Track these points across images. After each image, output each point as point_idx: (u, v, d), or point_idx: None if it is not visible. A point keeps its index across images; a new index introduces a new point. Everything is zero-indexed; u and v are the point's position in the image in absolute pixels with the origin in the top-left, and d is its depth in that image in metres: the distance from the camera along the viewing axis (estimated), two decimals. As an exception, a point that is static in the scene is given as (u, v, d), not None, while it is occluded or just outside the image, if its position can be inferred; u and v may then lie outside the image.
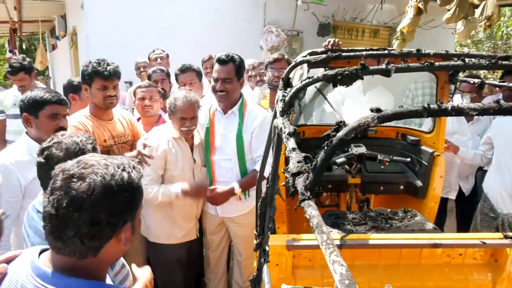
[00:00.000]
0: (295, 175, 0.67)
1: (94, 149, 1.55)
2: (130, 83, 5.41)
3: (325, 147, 0.66)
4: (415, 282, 2.05)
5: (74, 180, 0.92)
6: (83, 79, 2.53)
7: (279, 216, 2.72)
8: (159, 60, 4.38)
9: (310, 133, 3.04)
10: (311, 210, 0.56)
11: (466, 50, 12.89)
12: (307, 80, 1.02)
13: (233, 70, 2.61)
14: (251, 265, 2.87)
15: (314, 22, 7.03)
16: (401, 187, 2.87)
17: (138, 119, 3.15)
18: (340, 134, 0.65)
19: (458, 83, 2.65)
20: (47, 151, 1.50)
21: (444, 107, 0.63)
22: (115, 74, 2.51)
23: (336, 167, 2.75)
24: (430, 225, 2.31)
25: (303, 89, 1.04)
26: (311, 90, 3.22)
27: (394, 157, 2.71)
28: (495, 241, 2.01)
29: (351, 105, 3.61)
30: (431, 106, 0.63)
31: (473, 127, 3.49)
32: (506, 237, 2.02)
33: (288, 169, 0.71)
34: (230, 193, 2.63)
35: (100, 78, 2.46)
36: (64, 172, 0.94)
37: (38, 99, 2.11)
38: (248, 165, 2.70)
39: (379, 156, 2.68)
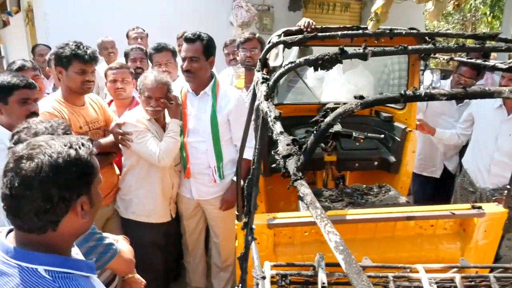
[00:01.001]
0: (285, 157, 0.75)
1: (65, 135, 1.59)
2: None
3: (314, 132, 0.75)
4: (390, 254, 2.22)
5: (24, 161, 1.02)
6: (58, 61, 2.48)
7: (258, 196, 2.82)
8: (139, 39, 4.32)
9: (286, 112, 3.12)
10: (304, 189, 0.65)
11: (436, 23, 13.27)
12: (290, 65, 1.10)
13: (200, 48, 2.62)
14: (228, 246, 2.98)
15: (285, -4, 7.08)
16: (375, 163, 3.03)
17: (110, 102, 3.14)
18: (328, 119, 0.74)
19: (429, 60, 2.78)
20: (16, 136, 1.54)
21: (418, 93, 0.73)
22: (95, 59, 2.51)
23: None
24: (403, 199, 2.49)
25: (286, 73, 1.12)
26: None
27: (369, 134, 2.84)
28: (463, 211, 2.20)
29: (331, 83, 3.72)
30: (407, 92, 0.72)
31: (462, 109, 3.53)
32: (473, 207, 2.21)
33: (278, 152, 0.80)
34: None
35: (79, 62, 2.44)
36: (14, 154, 1.04)
37: (6, 84, 2.09)
38: (223, 147, 2.76)
39: (354, 133, 2.79)
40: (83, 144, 1.09)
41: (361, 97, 0.72)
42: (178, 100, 2.72)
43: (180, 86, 2.86)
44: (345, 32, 1.99)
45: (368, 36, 1.98)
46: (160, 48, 3.37)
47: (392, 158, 3.01)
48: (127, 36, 4.51)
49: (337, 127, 2.84)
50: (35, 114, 2.12)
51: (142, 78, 2.63)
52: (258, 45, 3.41)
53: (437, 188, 3.85)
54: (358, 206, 2.37)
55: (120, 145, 2.68)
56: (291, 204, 3.23)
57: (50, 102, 2.51)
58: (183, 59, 2.65)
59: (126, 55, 3.61)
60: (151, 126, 2.65)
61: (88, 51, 2.47)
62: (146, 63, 3.61)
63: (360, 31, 1.98)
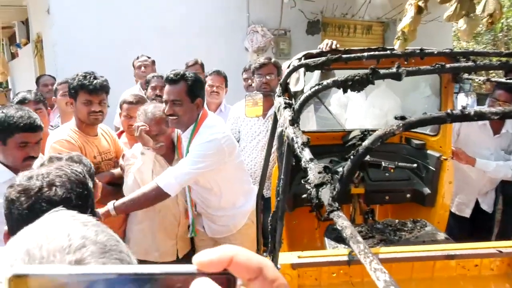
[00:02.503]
0: (318, 186, 0.73)
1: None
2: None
3: (351, 157, 0.72)
4: (429, 297, 2.12)
5: (45, 189, 1.01)
6: (69, 93, 2.63)
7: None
8: (143, 68, 4.46)
9: (308, 140, 3.13)
10: (342, 221, 0.62)
11: (464, 44, 13.27)
12: (316, 87, 1.09)
13: (184, 90, 2.51)
14: None
15: (302, 20, 7.19)
16: (408, 195, 2.96)
17: (120, 133, 3.20)
18: (366, 143, 0.71)
19: (466, 83, 2.75)
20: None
21: (467, 112, 0.70)
22: (102, 88, 2.58)
23: (337, 176, 2.83)
24: (442, 235, 2.40)
25: (313, 96, 1.11)
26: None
27: (399, 163, 2.80)
28: None
29: (353, 109, 3.71)
30: (454, 112, 0.70)
31: (499, 140, 3.42)
32: (523, 244, 2.11)
33: (309, 181, 0.77)
34: (106, 214, 2.37)
35: (85, 92, 2.54)
36: (17, 188, 1.04)
37: (6, 125, 2.05)
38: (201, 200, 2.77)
39: (383, 162, 2.75)
40: (84, 164, 1.13)
41: (403, 118, 0.70)
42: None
43: None
44: (372, 53, 1.99)
45: (397, 57, 1.99)
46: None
47: (427, 190, 2.94)
48: (133, 65, 4.66)
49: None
50: (33, 158, 2.10)
51: (141, 111, 2.68)
52: (274, 70, 3.45)
53: (474, 224, 3.68)
54: (391, 243, 2.30)
55: None
56: (316, 241, 3.16)
57: (66, 130, 2.62)
58: (165, 102, 2.55)
59: (148, 82, 3.80)
60: (157, 162, 2.68)
61: (95, 82, 2.54)
62: None
63: (388, 52, 1.98)
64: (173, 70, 2.55)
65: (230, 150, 2.58)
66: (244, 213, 2.83)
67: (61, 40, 5.72)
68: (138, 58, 4.60)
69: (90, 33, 5.74)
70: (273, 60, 3.51)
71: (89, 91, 2.54)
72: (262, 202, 2.77)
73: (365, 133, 0.80)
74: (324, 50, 2.52)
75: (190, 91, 2.52)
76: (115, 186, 2.66)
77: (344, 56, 1.89)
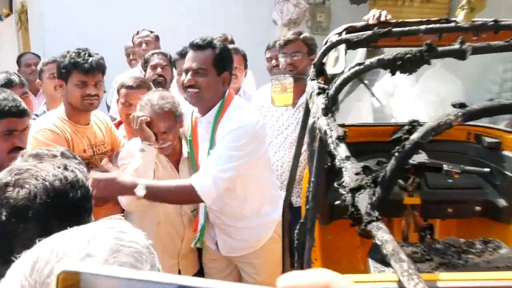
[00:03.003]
0: (354, 190, 0.73)
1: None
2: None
3: (396, 154, 0.72)
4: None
5: (10, 189, 1.05)
6: (58, 73, 2.71)
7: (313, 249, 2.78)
8: (144, 45, 4.54)
9: (349, 136, 3.10)
10: (383, 234, 0.61)
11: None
12: (357, 68, 1.08)
13: (210, 58, 2.58)
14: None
15: (346, -15, 7.16)
16: (477, 208, 2.90)
17: (118, 124, 3.26)
18: (415, 136, 0.70)
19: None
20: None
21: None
22: (98, 68, 2.66)
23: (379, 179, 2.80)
24: (520, 260, 2.35)
25: (352, 79, 1.11)
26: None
27: (466, 167, 2.75)
28: None
29: (402, 97, 3.66)
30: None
31: None
32: None
33: (344, 184, 0.77)
34: (127, 189, 2.44)
35: (78, 72, 2.62)
36: None
37: None
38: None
39: (445, 166, 2.71)
40: (80, 163, 1.18)
41: (462, 105, 0.69)
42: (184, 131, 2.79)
43: (190, 109, 2.87)
44: (431, 26, 1.97)
45: (464, 31, 1.95)
46: (186, 53, 3.46)
47: (502, 202, 2.88)
48: (133, 42, 4.76)
49: (422, 157, 2.77)
50: (19, 149, 2.14)
51: (141, 104, 2.69)
52: (303, 48, 3.46)
53: None
54: (455, 268, 2.26)
55: None
56: (357, 262, 3.14)
57: (51, 118, 2.70)
58: (185, 71, 2.61)
59: (146, 61, 3.85)
60: (159, 163, 2.73)
61: (90, 59, 2.63)
62: (169, 71, 3.82)
63: (452, 24, 1.95)
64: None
65: (264, 139, 2.66)
66: (269, 225, 2.82)
67: (50, 11, 5.86)
68: (138, 33, 4.68)
69: (86, 4, 5.84)
70: (302, 35, 3.51)
71: (84, 71, 2.61)
72: (290, 212, 2.78)
73: (414, 125, 0.79)
74: (370, 22, 2.49)
75: (218, 61, 2.59)
76: None
77: (395, 30, 1.88)
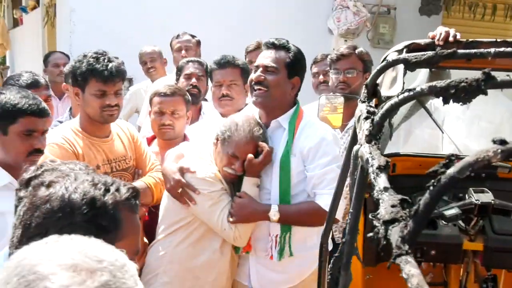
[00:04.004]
0: (388, 223, 0.81)
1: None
2: (130, 81, 5.74)
3: (431, 187, 0.80)
4: None
5: (43, 188, 1.22)
6: (73, 80, 2.76)
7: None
8: (183, 52, 4.66)
9: (405, 167, 3.13)
10: (410, 268, 0.69)
11: None
12: (406, 94, 1.16)
13: (283, 59, 2.80)
14: None
15: (416, -6, 7.18)
16: (552, 259, 2.87)
17: (151, 139, 3.38)
18: (452, 171, 0.78)
19: None
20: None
21: None
22: (119, 74, 2.72)
23: (445, 222, 2.81)
24: None
25: (400, 105, 1.18)
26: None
27: (540, 211, 2.73)
28: None
29: (452, 123, 3.68)
30: None
31: None
32: None
33: (379, 216, 0.85)
34: (260, 212, 2.77)
35: (97, 80, 2.67)
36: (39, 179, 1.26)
37: (10, 108, 2.27)
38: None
39: (514, 208, 2.71)
40: (118, 189, 1.24)
41: (503, 142, 0.76)
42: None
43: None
44: (502, 49, 2.00)
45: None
46: (224, 63, 3.56)
47: None
48: (171, 46, 4.89)
49: (487, 197, 2.77)
50: (39, 152, 2.31)
51: (229, 125, 2.78)
52: (358, 65, 3.52)
53: None
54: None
55: (167, 198, 2.85)
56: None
57: (63, 131, 2.76)
58: (255, 68, 2.84)
59: (180, 69, 3.91)
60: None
61: (110, 65, 2.67)
62: (205, 83, 3.88)
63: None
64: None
65: None
66: (314, 258, 2.78)
67: (81, 6, 6.11)
68: (178, 36, 4.82)
69: (119, 1, 6.11)
70: (358, 50, 3.57)
71: (103, 79, 2.66)
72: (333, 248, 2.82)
73: (452, 159, 0.85)
74: (437, 40, 2.54)
75: (290, 64, 2.82)
76: None
77: (460, 51, 1.92)
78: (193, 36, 4.83)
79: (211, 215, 2.74)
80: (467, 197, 2.79)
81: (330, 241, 2.81)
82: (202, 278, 2.83)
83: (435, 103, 3.61)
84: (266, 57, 2.82)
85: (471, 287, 2.95)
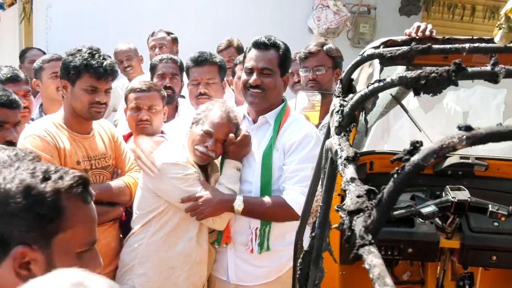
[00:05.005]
0: (352, 213, 0.79)
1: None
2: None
3: (395, 175, 0.78)
4: None
5: None
6: (64, 73, 2.73)
7: (328, 285, 2.77)
8: (157, 49, 4.63)
9: (382, 165, 3.13)
10: (372, 258, 0.67)
11: None
12: (376, 84, 1.14)
13: (276, 59, 2.85)
14: None
15: (396, -6, 7.22)
16: (527, 257, 2.89)
17: (127, 136, 3.34)
18: (416, 158, 0.76)
19: None
20: None
21: None
22: (112, 73, 2.73)
23: (422, 220, 2.81)
24: None
25: (370, 96, 1.17)
26: (384, 98, 3.32)
27: (516, 209, 2.74)
28: None
29: (434, 118, 3.71)
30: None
31: None
32: None
33: (344, 206, 0.83)
34: (226, 202, 2.76)
35: (91, 76, 2.67)
36: None
37: None
38: None
39: (490, 206, 2.70)
40: (61, 177, 1.22)
41: (468, 128, 0.74)
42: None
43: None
44: (478, 45, 2.00)
45: (515, 52, 1.98)
46: (202, 61, 3.54)
47: (557, 252, 2.85)
48: (147, 43, 4.86)
49: (464, 195, 2.78)
50: (10, 144, 2.27)
51: (205, 106, 2.85)
52: (327, 61, 3.51)
53: None
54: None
55: (142, 190, 2.84)
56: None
57: (45, 124, 2.74)
58: (248, 71, 2.85)
59: (153, 68, 3.84)
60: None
61: (105, 63, 2.68)
62: (179, 82, 3.82)
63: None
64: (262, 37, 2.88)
65: None
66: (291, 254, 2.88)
67: (58, 2, 6.07)
68: (153, 34, 4.78)
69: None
70: (326, 46, 3.56)
71: (97, 76, 2.66)
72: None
73: (416, 146, 0.82)
74: (414, 33, 2.54)
75: (282, 62, 2.89)
76: (105, 205, 2.78)
77: (435, 47, 1.91)
78: (168, 33, 4.79)
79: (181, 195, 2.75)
80: (444, 194, 2.80)
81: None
82: (178, 268, 2.82)
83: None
84: (260, 59, 2.84)
85: (448, 285, 2.97)
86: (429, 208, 2.75)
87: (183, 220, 2.79)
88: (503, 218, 2.73)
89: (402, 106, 3.08)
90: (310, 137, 2.86)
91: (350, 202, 0.83)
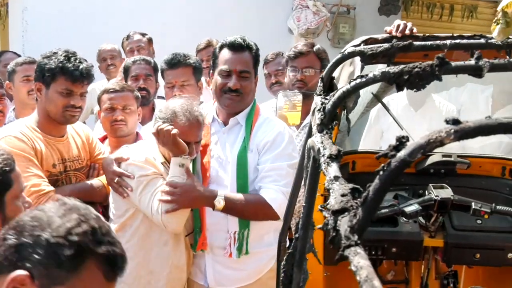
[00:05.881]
0: (337, 213, 0.76)
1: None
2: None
3: (380, 172, 0.75)
4: None
5: None
6: (39, 75, 2.69)
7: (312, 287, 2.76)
8: (136, 52, 4.59)
9: (364, 164, 3.12)
10: (359, 260, 0.64)
11: None
12: (358, 80, 1.12)
13: (251, 60, 2.83)
14: None
15: (375, -7, 7.25)
16: (510, 255, 2.89)
17: (103, 139, 3.30)
18: (402, 153, 0.73)
19: None
20: None
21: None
22: (88, 77, 2.69)
23: (405, 219, 2.81)
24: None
25: (352, 93, 1.14)
26: (366, 97, 3.31)
27: (498, 207, 2.74)
28: None
29: (424, 116, 3.73)
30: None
31: None
32: None
33: (328, 206, 0.80)
34: (206, 198, 2.68)
35: (66, 79, 2.63)
36: None
37: None
38: None
39: (473, 204, 2.71)
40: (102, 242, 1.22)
41: (456, 121, 0.71)
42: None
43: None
44: (459, 41, 1.99)
45: (497, 48, 1.98)
46: (176, 63, 3.50)
47: (540, 249, 2.86)
48: (122, 47, 4.85)
49: (446, 193, 2.78)
50: None
51: (167, 112, 2.73)
52: (316, 63, 3.50)
53: None
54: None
55: (111, 193, 2.79)
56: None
57: (19, 126, 2.70)
58: (225, 74, 2.77)
59: (126, 70, 3.79)
60: (165, 173, 2.74)
61: (81, 66, 2.64)
62: (154, 83, 3.79)
63: (482, 40, 1.97)
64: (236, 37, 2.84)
65: None
66: (272, 255, 2.83)
67: (34, 5, 5.98)
68: (128, 37, 4.75)
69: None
70: (316, 47, 3.55)
71: (72, 79, 2.62)
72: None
73: (402, 141, 0.80)
74: (395, 32, 2.53)
75: (255, 63, 2.88)
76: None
77: (416, 43, 1.90)
78: (143, 35, 4.75)
79: (141, 201, 2.67)
80: (427, 193, 2.80)
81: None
82: (157, 272, 2.78)
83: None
84: (237, 62, 2.78)
85: (432, 284, 2.96)
86: (412, 207, 2.75)
87: (155, 224, 2.72)
88: (486, 216, 2.74)
89: (383, 105, 3.08)
90: (282, 135, 2.84)
91: (334, 201, 0.80)
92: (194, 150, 2.71)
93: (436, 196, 2.76)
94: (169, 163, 2.74)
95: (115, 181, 2.69)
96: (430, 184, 2.83)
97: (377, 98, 3.13)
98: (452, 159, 3.03)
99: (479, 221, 2.82)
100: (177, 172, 2.66)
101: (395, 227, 2.86)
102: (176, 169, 2.67)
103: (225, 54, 2.80)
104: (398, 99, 3.79)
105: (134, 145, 2.95)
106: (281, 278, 1.48)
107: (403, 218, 2.80)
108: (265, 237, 2.87)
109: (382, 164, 0.74)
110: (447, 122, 0.71)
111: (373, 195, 0.73)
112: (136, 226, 2.74)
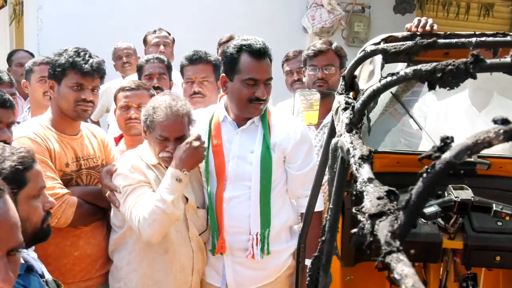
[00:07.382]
0: (374, 217, 0.72)
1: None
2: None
3: (424, 175, 0.71)
4: None
5: None
6: (51, 73, 2.71)
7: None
8: (162, 47, 4.61)
9: (383, 164, 3.08)
10: (403, 267, 0.61)
11: None
12: (388, 78, 1.08)
13: (271, 66, 2.82)
14: None
15: (390, -8, 7.21)
16: (531, 258, 2.85)
17: (118, 139, 3.30)
18: (447, 155, 0.69)
19: None
20: None
21: None
22: (98, 71, 2.69)
23: (424, 220, 2.77)
24: None
25: (383, 91, 1.11)
26: (385, 97, 3.27)
27: (520, 208, 2.71)
28: None
29: (489, 118, 3.70)
30: None
31: None
32: None
33: (364, 209, 0.76)
34: None
35: (76, 73, 2.64)
36: None
37: None
38: (275, 204, 2.82)
39: (494, 205, 2.67)
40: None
41: (505, 121, 0.68)
42: (203, 143, 2.75)
43: (209, 113, 2.95)
44: (484, 39, 1.96)
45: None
46: (196, 59, 3.48)
47: (562, 252, 2.82)
48: (145, 41, 4.82)
49: (467, 194, 2.74)
50: (5, 143, 2.26)
51: (149, 110, 2.71)
52: (335, 61, 3.47)
53: None
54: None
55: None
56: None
57: (32, 126, 2.71)
58: (253, 83, 2.71)
59: (140, 68, 3.80)
60: (156, 178, 2.72)
61: (91, 60, 2.67)
62: (167, 81, 3.79)
63: (509, 38, 1.93)
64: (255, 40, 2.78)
65: None
66: (289, 253, 2.91)
67: (49, 4, 6.00)
68: (155, 32, 4.75)
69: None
70: (334, 45, 3.52)
71: (82, 73, 2.64)
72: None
73: (447, 142, 0.77)
74: (415, 27, 2.50)
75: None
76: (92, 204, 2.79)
77: (441, 41, 1.87)
78: (169, 33, 4.79)
79: (122, 209, 2.66)
80: (446, 194, 2.76)
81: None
82: (162, 281, 2.77)
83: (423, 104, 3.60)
84: (263, 71, 2.75)
85: (451, 286, 2.93)
86: (431, 208, 2.71)
87: None
88: (507, 218, 2.70)
89: (403, 105, 3.03)
90: (306, 134, 2.95)
91: (370, 205, 0.77)
92: (174, 146, 2.66)
93: (456, 197, 2.72)
94: (161, 165, 2.74)
95: (107, 195, 2.73)
96: (450, 185, 2.79)
97: (396, 98, 3.09)
98: (472, 159, 2.98)
99: (499, 223, 2.79)
100: (171, 185, 2.59)
101: (413, 229, 2.81)
102: (172, 182, 2.60)
103: (249, 61, 2.72)
104: (460, 100, 3.73)
105: (133, 150, 2.90)
106: (307, 283, 1.45)
107: (422, 219, 2.76)
108: (282, 234, 2.88)
109: (426, 166, 0.71)
110: (495, 122, 0.68)
111: (415, 199, 0.69)
112: (136, 236, 2.71)
